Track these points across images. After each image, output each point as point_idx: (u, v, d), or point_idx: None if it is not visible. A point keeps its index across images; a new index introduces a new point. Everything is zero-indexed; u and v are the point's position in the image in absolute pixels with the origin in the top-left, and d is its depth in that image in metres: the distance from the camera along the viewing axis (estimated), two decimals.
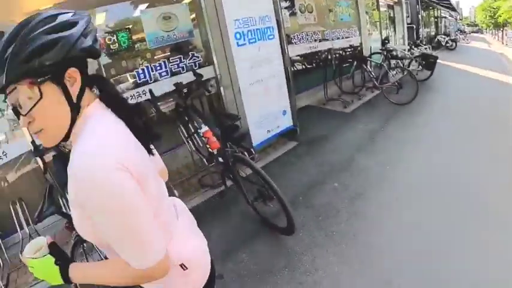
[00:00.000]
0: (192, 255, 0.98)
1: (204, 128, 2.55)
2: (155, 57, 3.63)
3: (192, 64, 3.60)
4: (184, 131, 2.93)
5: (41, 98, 0.72)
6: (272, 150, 4.10)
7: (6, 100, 0.76)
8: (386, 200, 2.84)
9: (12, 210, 3.15)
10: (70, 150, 0.84)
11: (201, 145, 2.93)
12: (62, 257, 0.89)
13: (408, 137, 4.21)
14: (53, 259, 0.88)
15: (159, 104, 2.92)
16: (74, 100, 0.77)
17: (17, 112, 0.75)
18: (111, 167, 0.70)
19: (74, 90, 0.76)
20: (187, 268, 0.94)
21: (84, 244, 2.04)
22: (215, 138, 2.58)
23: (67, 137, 0.79)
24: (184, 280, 0.97)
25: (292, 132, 4.24)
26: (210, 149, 2.61)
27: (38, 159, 2.73)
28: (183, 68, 3.56)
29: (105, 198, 0.69)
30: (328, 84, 5.99)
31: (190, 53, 3.67)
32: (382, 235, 2.43)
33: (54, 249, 0.91)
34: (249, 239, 2.70)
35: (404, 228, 2.47)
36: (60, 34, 0.72)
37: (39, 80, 0.71)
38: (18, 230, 3.15)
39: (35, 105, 0.72)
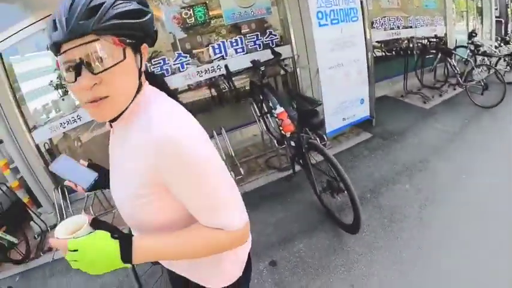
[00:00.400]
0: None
1: (280, 109, 2.43)
2: (231, 33, 3.57)
3: (269, 42, 3.48)
4: (257, 109, 2.84)
5: (123, 59, 0.68)
6: (344, 139, 3.88)
7: (60, 53, 0.68)
8: (459, 215, 2.48)
9: None
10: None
11: (273, 126, 2.83)
12: (118, 233, 0.73)
13: (490, 146, 3.61)
14: (108, 234, 0.71)
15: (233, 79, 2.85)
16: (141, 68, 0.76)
17: (77, 68, 0.66)
18: (197, 136, 0.73)
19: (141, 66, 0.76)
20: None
21: None
22: (290, 120, 2.46)
23: (121, 113, 0.75)
24: (235, 258, 1.00)
25: (367, 123, 3.95)
26: (282, 131, 2.50)
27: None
28: (259, 45, 3.47)
29: (196, 166, 0.70)
30: (408, 75, 5.48)
31: (267, 30, 3.54)
32: (450, 255, 2.13)
33: (100, 226, 0.73)
34: (309, 229, 2.61)
35: (475, 255, 2.10)
36: (149, 9, 0.73)
37: (128, 40, 0.69)
38: None
39: (115, 65, 0.67)
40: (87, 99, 0.69)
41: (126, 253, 0.70)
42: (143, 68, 0.76)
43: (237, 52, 3.42)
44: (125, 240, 0.71)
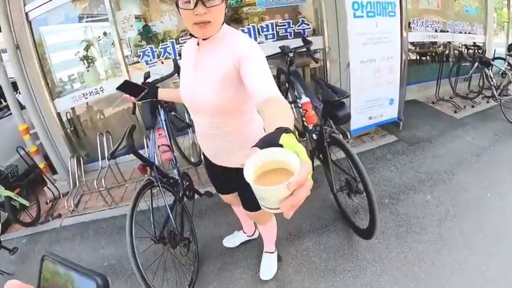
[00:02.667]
0: None
1: (305, 99, 2.31)
2: (263, 19, 3.47)
3: (301, 31, 3.35)
4: None
5: (222, 2, 1.11)
6: (368, 139, 3.73)
7: None
8: (479, 236, 2.29)
9: (98, 141, 3.38)
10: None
11: (295, 116, 2.70)
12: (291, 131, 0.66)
13: None
14: (292, 136, 0.62)
15: None
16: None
17: (196, 1, 1.06)
18: (259, 48, 1.19)
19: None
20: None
21: (153, 189, 2.05)
22: (313, 112, 2.33)
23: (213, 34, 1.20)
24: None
25: (394, 125, 3.77)
26: (305, 123, 2.38)
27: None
28: (290, 33, 3.35)
29: (265, 59, 1.15)
30: (441, 82, 5.23)
31: (300, 19, 3.41)
32: (464, 278, 1.97)
33: (270, 141, 0.63)
34: (320, 228, 2.52)
35: (491, 281, 1.95)
36: None
37: None
38: (100, 159, 3.39)
39: (218, 4, 1.10)
40: (196, 21, 1.11)
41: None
42: (226, 11, 1.18)
43: (266, 38, 3.32)
44: (291, 130, 0.66)
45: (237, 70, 1.15)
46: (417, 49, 5.62)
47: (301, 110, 2.38)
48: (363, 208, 2.41)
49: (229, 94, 1.22)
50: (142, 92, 1.69)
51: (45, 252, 0.43)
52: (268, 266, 2.20)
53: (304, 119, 2.38)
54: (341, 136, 2.27)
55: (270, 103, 0.92)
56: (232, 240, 2.48)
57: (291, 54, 2.36)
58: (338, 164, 2.32)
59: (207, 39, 1.21)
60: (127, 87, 1.74)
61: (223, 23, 1.21)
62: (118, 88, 1.72)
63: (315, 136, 2.37)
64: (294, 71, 2.40)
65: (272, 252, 2.24)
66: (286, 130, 0.64)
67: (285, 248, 2.36)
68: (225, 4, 1.13)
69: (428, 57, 5.82)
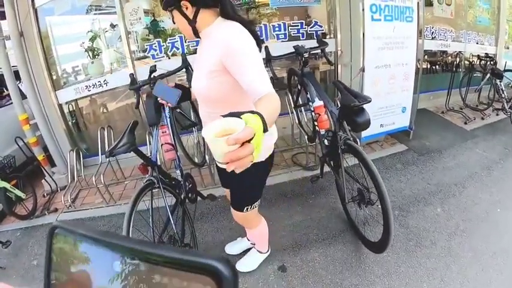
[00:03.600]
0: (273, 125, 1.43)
1: (318, 102, 2.21)
2: (275, 18, 3.37)
3: (314, 32, 3.25)
4: (291, 99, 2.62)
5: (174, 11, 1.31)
6: (378, 147, 3.63)
7: None
8: (488, 251, 2.21)
9: (99, 135, 3.29)
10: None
11: (306, 120, 2.61)
12: (258, 114, 0.80)
13: None
14: (256, 116, 0.78)
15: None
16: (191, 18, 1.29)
17: None
18: (248, 35, 1.22)
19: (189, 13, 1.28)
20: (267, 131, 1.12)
21: (153, 190, 1.95)
22: (327, 116, 2.23)
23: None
24: (265, 140, 1.17)
25: (404, 134, 3.66)
26: (317, 127, 2.27)
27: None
28: (302, 34, 3.25)
29: (249, 47, 1.19)
30: (451, 92, 5.14)
31: (313, 20, 3.31)
32: None
33: (235, 114, 0.78)
34: (327, 238, 2.42)
35: None
36: None
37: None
38: (100, 154, 3.30)
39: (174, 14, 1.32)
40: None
41: (264, 124, 0.79)
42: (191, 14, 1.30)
43: (278, 38, 3.22)
44: (261, 115, 0.80)
45: (222, 64, 1.21)
46: (428, 57, 5.51)
47: (313, 113, 2.28)
48: (374, 219, 2.31)
49: (216, 85, 1.28)
50: (176, 95, 1.69)
51: (56, 223, 0.31)
52: (250, 261, 2.20)
53: (316, 123, 2.28)
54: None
55: (262, 100, 1.05)
56: (234, 247, 2.39)
57: (305, 55, 2.25)
58: (350, 173, 2.20)
59: (199, 35, 1.34)
60: (161, 91, 1.76)
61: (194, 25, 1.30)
62: (154, 93, 1.78)
63: (326, 142, 2.25)
64: (307, 73, 2.29)
65: (261, 252, 2.19)
66: (253, 112, 0.79)
67: (291, 258, 2.26)
68: (180, 14, 1.27)
69: (438, 66, 5.72)
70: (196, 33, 1.33)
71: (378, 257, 2.18)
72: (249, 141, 0.70)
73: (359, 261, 2.20)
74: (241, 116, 0.76)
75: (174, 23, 1.35)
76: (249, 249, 2.29)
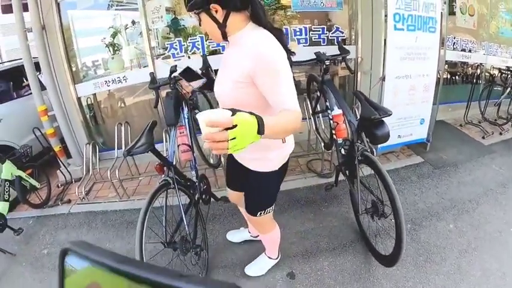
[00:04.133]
0: (291, 136, 1.51)
1: (337, 111, 2.19)
2: (294, 20, 3.36)
3: (335, 38, 3.22)
4: (309, 105, 2.61)
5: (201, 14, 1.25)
6: (394, 157, 3.58)
7: None
8: (499, 272, 2.16)
9: (116, 131, 3.32)
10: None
11: (323, 127, 2.59)
12: (258, 117, 0.95)
13: None
14: (252, 116, 0.92)
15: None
16: (221, 21, 1.24)
17: None
18: (279, 47, 1.20)
19: (219, 16, 1.22)
20: (285, 142, 1.48)
21: (168, 190, 1.95)
22: (345, 125, 2.21)
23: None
24: (280, 151, 1.49)
25: (420, 146, 3.60)
26: (334, 136, 2.25)
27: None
28: (323, 40, 3.22)
29: (281, 62, 1.17)
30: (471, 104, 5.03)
31: (334, 25, 3.28)
32: None
33: (234, 111, 0.92)
34: (337, 248, 2.40)
35: None
36: None
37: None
38: (116, 149, 3.33)
39: (201, 17, 1.26)
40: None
41: (261, 127, 0.93)
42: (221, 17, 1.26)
43: (299, 42, 3.20)
44: (260, 118, 0.94)
45: (250, 77, 1.20)
46: (448, 68, 5.41)
47: (331, 121, 2.26)
48: (385, 232, 2.28)
49: (241, 96, 1.26)
50: (199, 79, 1.76)
51: (68, 244, 0.29)
52: (259, 266, 2.19)
53: (333, 131, 2.26)
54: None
55: (281, 112, 1.12)
56: (236, 235, 2.46)
57: (327, 62, 2.23)
58: (365, 184, 2.18)
59: (228, 40, 1.31)
60: (187, 74, 1.80)
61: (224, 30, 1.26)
62: (180, 74, 1.84)
63: (343, 151, 2.23)
64: (328, 80, 2.28)
65: (271, 258, 2.19)
66: (251, 113, 0.93)
67: (300, 265, 2.26)
68: (208, 17, 1.23)
69: (458, 77, 5.61)
70: (225, 37, 1.28)
71: (387, 270, 2.16)
72: (229, 130, 0.84)
73: (368, 273, 2.18)
74: (237, 112, 0.89)
75: (200, 26, 1.29)
76: (248, 240, 2.39)
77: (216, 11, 1.20)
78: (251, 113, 0.92)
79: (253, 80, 1.19)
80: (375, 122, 1.90)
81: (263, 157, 1.46)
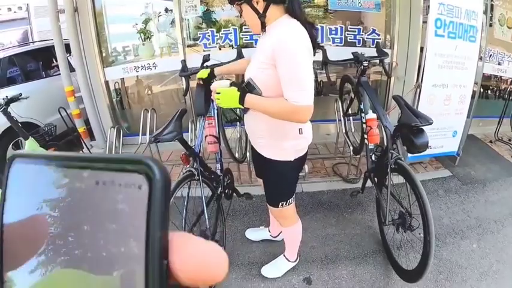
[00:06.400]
0: (308, 128, 1.60)
1: (371, 115, 2.11)
2: (328, 20, 3.28)
3: (370, 40, 3.12)
4: (341, 107, 2.53)
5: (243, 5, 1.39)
6: (421, 168, 3.47)
7: None
8: None
9: (141, 116, 3.30)
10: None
11: (354, 131, 2.51)
12: (242, 90, 1.39)
13: None
14: (236, 88, 1.40)
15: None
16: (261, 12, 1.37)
17: None
18: (306, 40, 1.34)
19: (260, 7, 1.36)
20: (301, 134, 1.56)
21: (191, 181, 1.91)
22: (378, 130, 2.12)
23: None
24: (295, 143, 1.57)
25: (449, 159, 3.47)
26: (366, 140, 2.17)
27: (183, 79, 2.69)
28: (359, 41, 3.13)
29: (302, 55, 1.30)
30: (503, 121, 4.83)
31: (371, 27, 3.18)
32: None
33: (234, 85, 1.44)
34: (358, 257, 2.32)
35: None
36: None
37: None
38: (140, 135, 3.32)
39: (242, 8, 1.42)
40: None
41: (241, 99, 1.38)
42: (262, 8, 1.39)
43: (333, 41, 3.12)
44: (243, 92, 1.38)
45: (273, 58, 1.32)
46: (482, 81, 5.18)
47: (364, 125, 2.18)
48: (410, 246, 2.19)
49: (263, 77, 1.39)
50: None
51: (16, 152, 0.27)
52: (276, 267, 2.14)
53: (365, 136, 2.18)
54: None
55: (281, 99, 1.33)
56: (254, 233, 2.44)
57: (365, 63, 2.15)
58: (395, 194, 2.09)
59: (265, 30, 1.43)
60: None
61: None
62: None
63: (374, 157, 2.15)
64: (364, 82, 2.19)
65: (289, 260, 2.14)
66: (244, 88, 1.40)
67: (318, 271, 2.19)
68: (250, 7, 1.35)
69: (491, 91, 5.39)
70: (264, 28, 1.40)
71: (406, 285, 2.07)
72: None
73: (387, 287, 2.11)
74: (232, 84, 1.45)
75: (241, 17, 1.42)
76: (266, 240, 2.37)
77: (257, 3, 1.33)
78: (244, 88, 1.39)
79: (275, 62, 1.31)
80: (414, 130, 1.81)
81: (277, 145, 1.56)
